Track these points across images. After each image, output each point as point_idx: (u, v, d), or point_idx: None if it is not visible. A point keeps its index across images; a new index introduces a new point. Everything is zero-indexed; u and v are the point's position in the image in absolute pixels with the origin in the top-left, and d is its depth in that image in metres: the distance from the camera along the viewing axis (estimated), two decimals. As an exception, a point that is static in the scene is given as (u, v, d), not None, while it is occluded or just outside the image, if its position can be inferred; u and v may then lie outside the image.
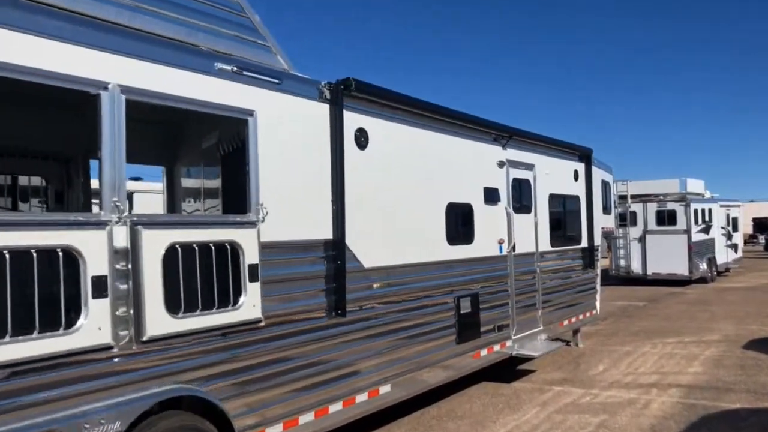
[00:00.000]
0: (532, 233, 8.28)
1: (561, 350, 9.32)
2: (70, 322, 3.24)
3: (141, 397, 3.54)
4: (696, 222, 19.37)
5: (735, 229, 24.13)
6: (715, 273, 20.77)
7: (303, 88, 4.86)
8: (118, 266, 3.50)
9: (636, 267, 19.64)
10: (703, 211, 20.11)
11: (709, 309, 14.08)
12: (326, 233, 4.96)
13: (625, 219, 19.23)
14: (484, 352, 7.05)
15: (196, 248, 3.89)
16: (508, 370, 8.20)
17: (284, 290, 4.55)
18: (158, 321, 3.63)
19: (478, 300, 6.95)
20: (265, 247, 4.35)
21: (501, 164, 7.61)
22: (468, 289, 6.81)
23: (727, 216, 23.14)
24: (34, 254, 3.12)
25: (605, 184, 11.07)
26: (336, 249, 4.98)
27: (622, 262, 19.80)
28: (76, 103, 4.03)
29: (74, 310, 3.27)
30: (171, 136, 6.09)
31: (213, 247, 3.99)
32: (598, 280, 10.42)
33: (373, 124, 5.51)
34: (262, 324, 4.30)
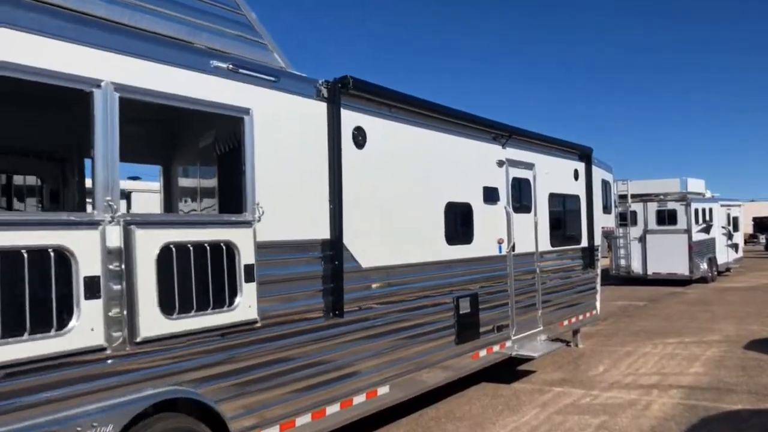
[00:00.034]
0: (531, 233, 8.23)
1: (561, 351, 9.27)
2: (62, 324, 3.19)
3: (134, 399, 3.49)
4: (696, 222, 19.31)
5: (735, 228, 24.08)
6: (716, 273, 20.71)
7: (300, 86, 4.81)
8: (111, 266, 3.45)
9: (636, 267, 19.58)
10: (703, 210, 20.06)
11: (709, 309, 14.02)
12: (324, 233, 4.91)
13: (626, 218, 19.17)
14: (483, 353, 6.99)
15: (191, 248, 3.84)
16: (508, 370, 8.15)
17: (281, 291, 4.50)
18: (152, 322, 3.58)
19: (478, 300, 6.90)
20: (261, 247, 4.30)
21: (500, 163, 7.55)
22: (467, 290, 6.76)
23: (728, 215, 23.09)
24: (25, 254, 3.07)
25: (605, 184, 11.02)
26: (333, 249, 4.93)
27: (623, 262, 19.75)
28: (71, 102, 3.99)
29: (66, 311, 3.22)
30: (168, 134, 6.05)
31: (208, 247, 3.94)
32: (599, 280, 10.37)
33: (371, 123, 5.46)
34: (259, 325, 4.25)
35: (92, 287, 3.28)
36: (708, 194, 21.82)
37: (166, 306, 3.67)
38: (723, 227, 22.15)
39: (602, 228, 10.66)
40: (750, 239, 41.16)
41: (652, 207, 19.47)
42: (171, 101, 3.86)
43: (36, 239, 3.12)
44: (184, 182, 6.25)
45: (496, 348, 7.25)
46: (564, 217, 9.22)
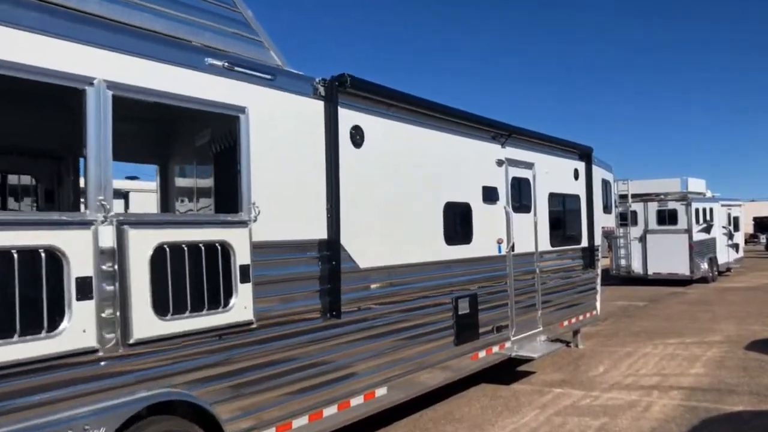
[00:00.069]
0: (531, 233, 8.18)
1: (561, 351, 9.22)
2: (54, 325, 3.14)
3: (127, 402, 3.44)
4: (697, 221, 19.26)
5: (736, 228, 24.02)
6: (716, 273, 20.66)
7: (297, 84, 4.76)
8: (104, 267, 3.39)
9: (637, 267, 19.53)
10: (704, 210, 20.01)
11: (710, 309, 13.97)
12: (321, 233, 4.85)
13: (626, 218, 19.11)
14: (482, 354, 6.94)
15: (185, 248, 3.78)
16: (508, 371, 8.10)
17: (277, 291, 4.44)
18: (145, 323, 3.53)
19: (477, 301, 6.84)
20: (257, 247, 4.24)
21: (500, 163, 7.50)
22: (466, 290, 6.70)
23: (728, 215, 23.04)
24: (15, 255, 3.02)
25: (606, 183, 10.96)
26: (331, 249, 4.88)
27: (623, 262, 19.70)
28: (66, 100, 3.94)
29: (57, 313, 3.16)
30: (164, 133, 5.99)
31: (203, 248, 3.89)
32: (599, 280, 10.32)
33: (369, 122, 5.40)
34: (254, 326, 4.20)
35: (84, 288, 3.23)
36: (708, 194, 21.77)
37: (160, 307, 3.62)
38: (723, 227, 22.09)
39: (602, 228, 10.60)
40: (750, 239, 41.09)
41: (653, 207, 19.41)
42: (165, 99, 3.81)
43: (27, 239, 3.07)
44: (180, 182, 6.19)
45: (495, 349, 7.20)
46: (564, 216, 9.16)
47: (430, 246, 6.19)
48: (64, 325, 3.16)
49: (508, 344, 7.46)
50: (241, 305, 4.08)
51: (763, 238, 40.90)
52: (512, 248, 7.57)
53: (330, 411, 4.84)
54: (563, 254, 9.05)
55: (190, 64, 3.96)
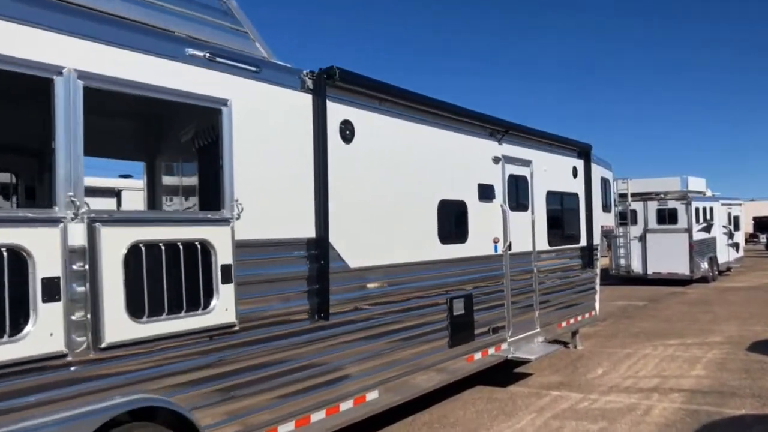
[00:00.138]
0: (528, 232, 8.00)
1: (559, 352, 9.04)
2: (17, 329, 2.96)
3: (98, 409, 3.25)
4: (697, 221, 19.10)
5: (736, 227, 23.87)
6: (717, 272, 20.51)
7: (283, 77, 4.58)
8: (74, 267, 3.22)
9: (636, 266, 19.37)
10: (704, 209, 19.85)
11: (711, 309, 13.80)
12: (308, 231, 4.67)
13: (626, 217, 18.94)
14: (478, 356, 6.76)
15: (163, 247, 3.61)
16: (504, 373, 7.92)
17: (261, 292, 4.26)
18: (119, 326, 3.35)
19: (472, 301, 6.67)
20: (240, 246, 4.06)
21: (496, 160, 7.32)
22: (461, 290, 6.53)
23: (729, 215, 22.89)
24: (-25, 254, 2.84)
25: (605, 182, 10.78)
26: (319, 248, 4.70)
27: (622, 262, 19.53)
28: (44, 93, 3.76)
29: (22, 316, 2.98)
30: (150, 129, 5.81)
31: (181, 247, 3.71)
32: (598, 279, 10.14)
33: (359, 117, 5.22)
34: (237, 328, 4.02)
35: (51, 289, 3.05)
36: (709, 193, 21.62)
37: (135, 309, 3.44)
38: (724, 226, 21.94)
39: (602, 227, 10.43)
40: (750, 239, 40.93)
41: (653, 206, 19.25)
42: (142, 91, 3.63)
43: (-12, 238, 2.88)
44: (167, 179, 6.02)
45: (491, 350, 7.02)
46: (562, 215, 8.99)
47: (424, 245, 6.01)
48: (28, 328, 2.98)
49: (504, 346, 7.28)
50: (223, 307, 3.90)
51: (763, 238, 40.75)
52: (509, 247, 7.40)
53: (318, 416, 4.66)
54: (561, 254, 8.87)
55: (169, 55, 3.78)
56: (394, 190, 5.62)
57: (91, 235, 3.27)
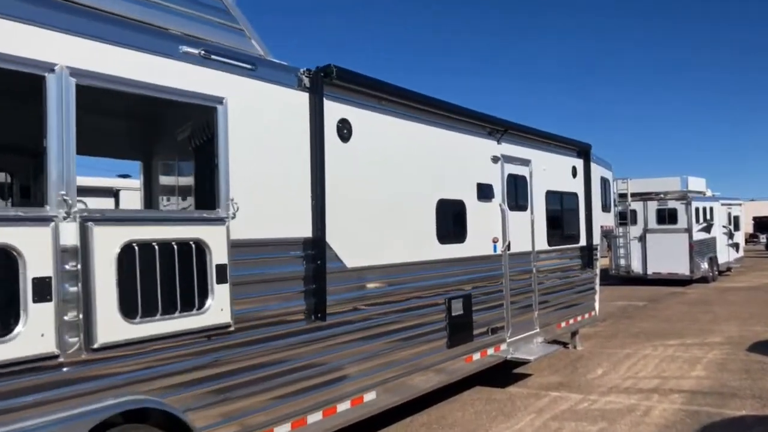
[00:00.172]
0: (528, 232, 7.96)
1: (558, 353, 8.99)
2: (7, 329, 2.91)
3: (90, 410, 3.21)
4: (697, 221, 19.06)
5: (736, 227, 23.83)
6: (717, 272, 20.47)
7: (280, 75, 4.53)
8: (66, 267, 3.17)
9: (636, 266, 19.32)
10: (704, 209, 19.81)
11: (711, 309, 13.76)
12: (305, 231, 4.63)
13: (625, 217, 18.88)
14: (476, 356, 6.72)
15: (156, 247, 3.56)
16: (503, 374, 7.88)
17: (257, 293, 4.22)
18: (111, 327, 3.30)
19: (471, 301, 6.62)
20: (236, 246, 4.02)
21: (495, 159, 7.27)
22: (460, 290, 6.48)
23: (729, 215, 22.85)
24: (-36, 254, 2.79)
25: (604, 182, 10.74)
26: (316, 248, 4.65)
27: (622, 262, 19.48)
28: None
29: (12, 316, 2.94)
30: (146, 129, 5.77)
31: (176, 246, 3.66)
32: (597, 280, 10.10)
33: (357, 115, 5.18)
34: (232, 329, 3.97)
35: (42, 289, 3.00)
36: (709, 193, 21.57)
37: (128, 309, 3.39)
38: (724, 226, 21.90)
39: (601, 227, 10.39)
40: (750, 239, 40.88)
41: (652, 206, 19.21)
42: (135, 89, 3.58)
43: (-23, 237, 2.84)
44: (164, 179, 5.98)
45: (490, 351, 6.97)
46: (562, 215, 8.94)
47: (422, 245, 5.97)
48: (18, 329, 2.93)
49: (503, 346, 7.24)
50: (218, 307, 3.85)
51: (763, 238, 40.69)
52: (508, 247, 7.35)
53: (314, 417, 4.62)
54: (561, 254, 8.83)
55: (163, 52, 3.74)
56: (392, 189, 5.57)
57: (84, 235, 3.23)
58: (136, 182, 12.92)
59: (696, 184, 20.34)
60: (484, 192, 6.97)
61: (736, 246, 23.48)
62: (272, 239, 4.37)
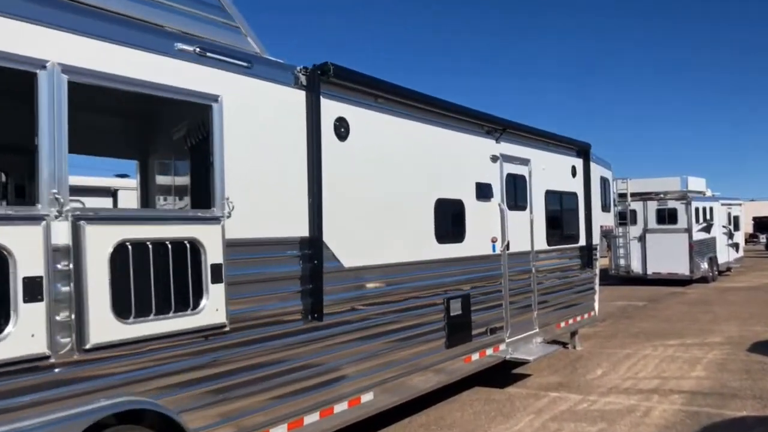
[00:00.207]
0: (527, 231, 7.91)
1: (558, 353, 8.95)
2: (-4, 330, 2.87)
3: (84, 411, 3.17)
4: (697, 221, 19.02)
5: (736, 228, 23.79)
6: (717, 272, 20.42)
7: (276, 72, 4.49)
8: (58, 266, 3.13)
9: (636, 266, 19.28)
10: (704, 209, 19.77)
11: (711, 310, 13.71)
12: (302, 230, 4.59)
13: (625, 217, 18.84)
14: (475, 357, 6.68)
15: (150, 246, 3.52)
16: (502, 374, 7.84)
17: (253, 292, 4.18)
18: (104, 327, 3.26)
19: (470, 301, 6.58)
20: (231, 245, 3.98)
21: (494, 159, 7.23)
22: (458, 290, 6.44)
23: (729, 215, 22.81)
24: (-46, 253, 2.75)
25: (604, 181, 10.70)
26: (312, 247, 4.61)
27: (622, 262, 19.44)
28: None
29: (2, 316, 2.89)
30: (142, 127, 5.72)
31: (170, 245, 3.62)
32: (597, 280, 10.06)
33: (354, 114, 5.14)
34: (227, 329, 3.93)
35: (33, 289, 2.96)
36: (708, 193, 21.53)
37: (121, 309, 3.35)
38: (724, 226, 21.86)
39: (601, 227, 10.34)
40: (750, 239, 40.84)
41: (652, 206, 19.16)
42: (129, 86, 3.54)
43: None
44: (161, 178, 5.94)
45: (489, 351, 6.93)
46: (561, 215, 8.90)
47: (420, 244, 5.92)
48: (8, 329, 2.89)
49: (502, 346, 7.19)
50: (213, 307, 3.81)
51: (763, 238, 40.65)
52: (507, 247, 7.31)
53: (311, 418, 4.57)
54: (560, 253, 8.79)
55: (158, 49, 3.70)
56: (389, 188, 5.53)
57: (76, 234, 3.19)
58: (135, 182, 12.88)
59: (696, 184, 20.30)
60: (483, 191, 6.93)
61: (735, 246, 23.44)
62: (268, 239, 4.33)
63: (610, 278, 19.55)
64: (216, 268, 3.84)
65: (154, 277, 3.53)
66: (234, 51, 4.21)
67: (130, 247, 3.41)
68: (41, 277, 3.01)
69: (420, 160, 5.96)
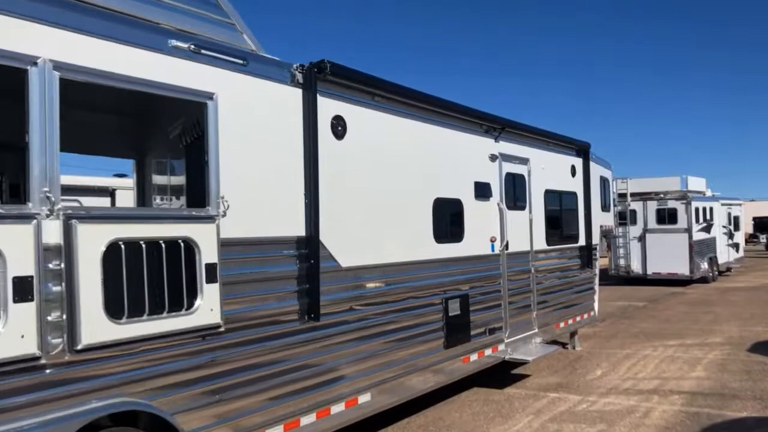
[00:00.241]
0: (526, 231, 7.87)
1: (557, 353, 8.90)
2: (-15, 330, 2.82)
3: (75, 413, 3.12)
4: (697, 221, 18.98)
5: (736, 228, 23.74)
6: (717, 273, 20.39)
7: (272, 70, 4.44)
8: (50, 266, 3.09)
9: (636, 266, 19.24)
10: (704, 209, 19.72)
11: (711, 310, 13.67)
12: (298, 230, 4.54)
13: (625, 217, 18.79)
14: (474, 357, 6.63)
15: (144, 245, 3.47)
16: (501, 374, 7.79)
17: (249, 292, 4.13)
18: (96, 327, 3.21)
19: (468, 301, 6.53)
20: (226, 245, 3.93)
21: (493, 158, 7.19)
22: (457, 290, 6.40)
23: (729, 215, 22.77)
24: (-58, 252, 2.71)
25: (604, 181, 10.65)
26: (309, 247, 4.57)
27: (622, 262, 19.39)
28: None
29: (-8, 316, 2.85)
30: (139, 126, 5.68)
31: (164, 245, 3.58)
32: (597, 280, 10.01)
33: (351, 112, 5.09)
34: (222, 330, 3.89)
35: (23, 289, 2.92)
36: (708, 193, 21.49)
37: (114, 310, 3.31)
38: (724, 226, 21.82)
39: (601, 227, 10.30)
40: (750, 239, 40.79)
41: (652, 206, 19.12)
42: (122, 83, 3.49)
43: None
44: (157, 177, 5.90)
45: (488, 351, 6.88)
46: (560, 214, 8.85)
47: (419, 244, 5.88)
48: (-3, 330, 2.84)
49: (501, 347, 7.15)
50: (207, 307, 3.77)
51: (763, 238, 40.61)
52: (506, 247, 7.27)
53: (308, 419, 4.53)
54: (560, 253, 8.74)
55: (152, 46, 3.65)
56: (387, 187, 5.48)
57: (68, 233, 3.14)
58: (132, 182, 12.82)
59: (696, 184, 20.26)
60: (482, 191, 6.88)
61: (736, 246, 23.40)
62: (264, 238, 4.28)
63: (609, 278, 19.51)
64: (210, 268, 3.79)
65: (148, 277, 3.48)
66: (229, 48, 4.16)
67: (123, 246, 3.37)
68: (32, 277, 2.97)
69: (418, 159, 5.92)
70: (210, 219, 3.86)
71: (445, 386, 6.37)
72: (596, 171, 10.02)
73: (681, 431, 5.75)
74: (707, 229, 19.75)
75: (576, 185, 9.27)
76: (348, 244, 4.99)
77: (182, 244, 3.67)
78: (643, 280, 19.07)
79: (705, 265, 19.28)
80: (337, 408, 4.79)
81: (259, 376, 4.16)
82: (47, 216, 3.09)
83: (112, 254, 3.31)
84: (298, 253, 4.53)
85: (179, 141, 4.83)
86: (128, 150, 6.04)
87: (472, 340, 6.58)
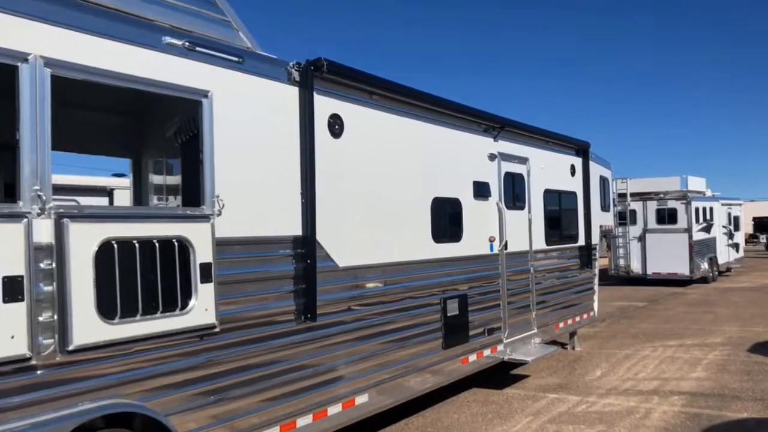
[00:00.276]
0: (525, 231, 7.83)
1: (557, 354, 8.86)
2: (-26, 331, 2.78)
3: (67, 414, 3.08)
4: (697, 221, 18.94)
5: (736, 228, 23.71)
6: (717, 273, 20.35)
7: (268, 68, 4.40)
8: (41, 265, 3.04)
9: (636, 266, 19.20)
10: (704, 209, 19.69)
11: (711, 310, 13.63)
12: (295, 229, 4.50)
13: (625, 217, 18.76)
14: (473, 357, 6.59)
15: (137, 245, 3.43)
16: (500, 375, 7.75)
17: (244, 292, 4.09)
18: (88, 328, 3.17)
19: (467, 301, 6.49)
20: (221, 244, 3.89)
21: (492, 157, 7.14)
22: (455, 290, 6.35)
23: (729, 215, 22.73)
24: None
25: (604, 181, 10.61)
26: (306, 246, 4.52)
27: (622, 262, 19.36)
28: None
29: (-19, 317, 2.81)
30: (134, 125, 5.64)
31: (157, 244, 3.53)
32: (596, 280, 9.97)
33: (349, 111, 5.05)
34: (217, 330, 3.84)
35: (12, 289, 2.87)
36: (709, 193, 21.46)
37: (106, 310, 3.26)
38: (724, 226, 21.78)
39: (600, 226, 10.26)
40: (750, 239, 40.77)
41: (652, 206, 19.09)
42: (115, 81, 3.45)
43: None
44: (154, 177, 5.85)
45: (487, 352, 6.84)
46: (560, 214, 8.81)
47: (417, 244, 5.84)
48: (-15, 330, 2.80)
49: (500, 347, 7.11)
50: (202, 307, 3.72)
51: (763, 238, 40.59)
52: (505, 247, 7.22)
53: (304, 421, 4.49)
54: (559, 253, 8.70)
55: (145, 43, 3.61)
56: (385, 187, 5.44)
57: (59, 232, 3.10)
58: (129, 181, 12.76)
59: (696, 183, 20.23)
60: (481, 190, 6.84)
61: (736, 246, 23.36)
62: (260, 237, 4.24)
63: (609, 278, 19.47)
64: (205, 268, 3.75)
65: (141, 277, 3.44)
66: (224, 46, 4.12)
67: (116, 245, 3.32)
68: (22, 277, 2.92)
69: (416, 158, 5.87)
70: (205, 218, 3.82)
71: (443, 387, 6.33)
72: (596, 171, 9.98)
73: (681, 432, 5.71)
74: (707, 229, 19.72)
75: (575, 185, 9.23)
76: (345, 244, 4.95)
77: (176, 244, 3.63)
78: (642, 281, 19.03)
79: (705, 265, 19.24)
80: (334, 409, 4.75)
81: (254, 377, 4.12)
82: (38, 215, 3.05)
83: (104, 254, 3.27)
84: (295, 253, 4.49)
85: (175, 140, 4.78)
86: (124, 149, 5.99)
87: (470, 341, 6.54)
